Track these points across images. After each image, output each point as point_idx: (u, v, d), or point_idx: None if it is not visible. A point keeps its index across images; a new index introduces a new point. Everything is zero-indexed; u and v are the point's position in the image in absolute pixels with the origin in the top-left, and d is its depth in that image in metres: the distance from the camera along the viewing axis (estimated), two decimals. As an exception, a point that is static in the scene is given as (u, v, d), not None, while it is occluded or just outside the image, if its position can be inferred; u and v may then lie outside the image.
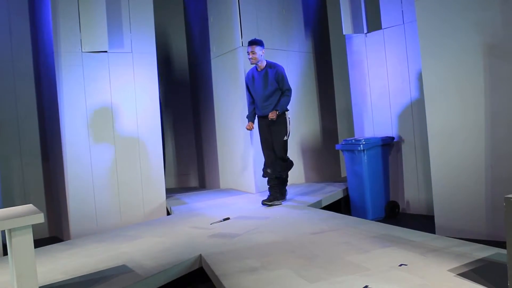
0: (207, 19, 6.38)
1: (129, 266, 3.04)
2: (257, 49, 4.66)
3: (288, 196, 5.04)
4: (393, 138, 5.00)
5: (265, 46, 4.77)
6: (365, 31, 5.21)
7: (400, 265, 2.59)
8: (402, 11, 4.86)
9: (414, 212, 4.92)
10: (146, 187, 5.11)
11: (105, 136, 4.90)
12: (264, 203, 4.75)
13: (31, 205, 2.81)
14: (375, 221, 4.20)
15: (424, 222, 4.45)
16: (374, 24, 5.12)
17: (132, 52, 5.09)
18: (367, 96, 5.32)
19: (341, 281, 2.43)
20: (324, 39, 6.69)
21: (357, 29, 5.26)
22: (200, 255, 3.15)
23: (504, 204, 2.01)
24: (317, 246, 3.15)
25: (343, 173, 6.40)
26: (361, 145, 4.75)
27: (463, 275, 2.37)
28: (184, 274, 3.08)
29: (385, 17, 5.01)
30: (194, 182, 7.32)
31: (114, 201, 4.92)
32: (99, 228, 4.74)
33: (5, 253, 3.85)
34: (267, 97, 4.73)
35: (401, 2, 4.85)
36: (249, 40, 4.76)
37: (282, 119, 4.72)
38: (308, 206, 4.65)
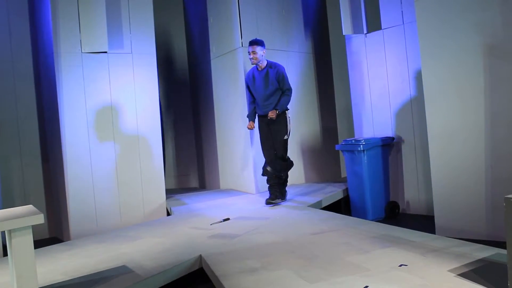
0: (207, 20, 6.38)
1: (129, 267, 3.04)
2: (258, 49, 4.67)
3: (288, 197, 5.04)
4: (393, 138, 5.00)
5: (265, 47, 4.78)
6: (365, 31, 5.22)
7: (400, 265, 2.60)
8: (402, 11, 4.86)
9: (414, 212, 4.92)
10: (146, 188, 5.11)
11: (105, 136, 4.90)
12: (268, 201, 4.77)
13: (31, 205, 2.81)
14: (375, 221, 4.19)
15: (424, 222, 4.45)
16: (374, 24, 5.12)
17: (132, 52, 5.10)
18: (367, 97, 5.32)
19: (341, 281, 2.43)
20: (324, 39, 6.70)
21: (356, 29, 5.26)
22: (200, 256, 3.16)
23: (504, 204, 2.01)
24: (317, 246, 3.15)
25: (343, 174, 6.40)
26: (361, 146, 4.75)
27: (463, 275, 2.37)
28: (184, 274, 3.09)
29: (385, 18, 5.02)
30: (194, 183, 7.32)
31: (114, 202, 4.92)
32: (99, 229, 4.73)
33: (5, 254, 3.85)
34: (268, 96, 4.74)
35: (401, 3, 4.85)
36: (250, 40, 4.77)
37: (282, 119, 4.73)
38: (308, 206, 4.65)
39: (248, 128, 4.87)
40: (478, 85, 3.61)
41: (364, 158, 4.78)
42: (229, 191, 6.07)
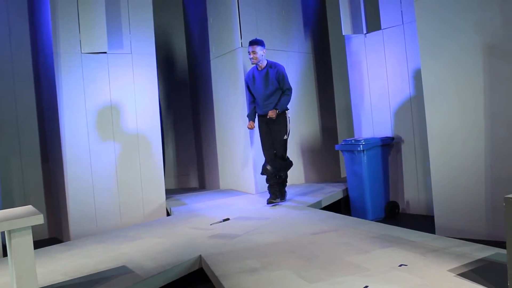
0: (206, 20, 6.38)
1: (129, 267, 3.04)
2: (258, 49, 4.68)
3: (288, 196, 5.04)
4: (392, 138, 5.00)
5: (265, 47, 4.78)
6: (365, 31, 5.22)
7: (400, 265, 2.59)
8: (402, 11, 4.86)
9: (414, 212, 4.92)
10: (146, 188, 5.11)
11: (105, 137, 4.90)
12: (269, 201, 4.77)
13: (30, 206, 2.81)
14: (375, 221, 4.19)
15: (424, 222, 4.45)
16: (374, 24, 5.12)
17: (131, 53, 5.10)
18: (367, 97, 5.32)
19: (341, 281, 2.43)
20: (324, 39, 6.70)
21: (356, 29, 5.26)
22: (200, 256, 3.15)
23: (504, 204, 2.01)
24: (317, 246, 3.15)
25: (343, 174, 6.40)
26: (361, 146, 4.75)
27: (463, 275, 2.37)
28: (184, 274, 3.09)
29: (385, 18, 5.02)
30: (194, 183, 7.32)
31: (114, 202, 4.92)
32: (99, 229, 4.73)
33: (4, 254, 3.85)
34: (268, 96, 4.75)
35: (401, 3, 4.85)
36: (250, 40, 4.77)
37: (282, 118, 4.73)
38: (308, 206, 4.65)
39: (248, 128, 4.88)
40: (478, 85, 3.61)
41: (364, 158, 4.78)
42: (229, 191, 6.07)
